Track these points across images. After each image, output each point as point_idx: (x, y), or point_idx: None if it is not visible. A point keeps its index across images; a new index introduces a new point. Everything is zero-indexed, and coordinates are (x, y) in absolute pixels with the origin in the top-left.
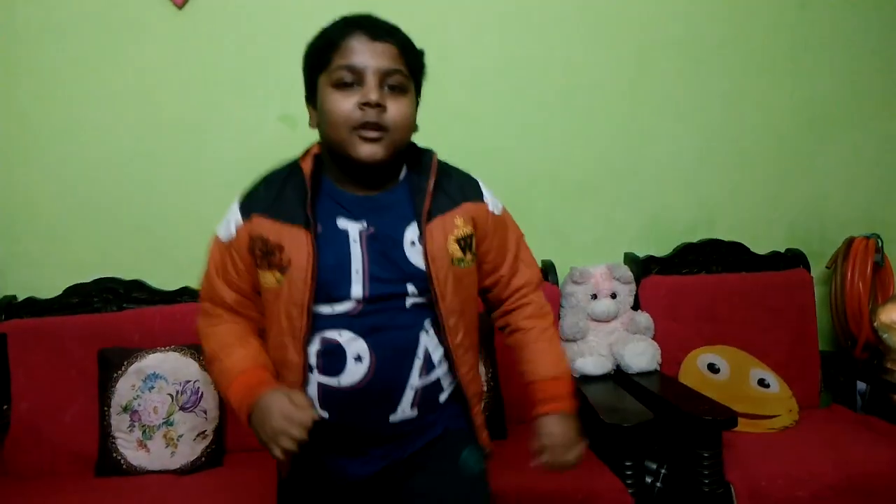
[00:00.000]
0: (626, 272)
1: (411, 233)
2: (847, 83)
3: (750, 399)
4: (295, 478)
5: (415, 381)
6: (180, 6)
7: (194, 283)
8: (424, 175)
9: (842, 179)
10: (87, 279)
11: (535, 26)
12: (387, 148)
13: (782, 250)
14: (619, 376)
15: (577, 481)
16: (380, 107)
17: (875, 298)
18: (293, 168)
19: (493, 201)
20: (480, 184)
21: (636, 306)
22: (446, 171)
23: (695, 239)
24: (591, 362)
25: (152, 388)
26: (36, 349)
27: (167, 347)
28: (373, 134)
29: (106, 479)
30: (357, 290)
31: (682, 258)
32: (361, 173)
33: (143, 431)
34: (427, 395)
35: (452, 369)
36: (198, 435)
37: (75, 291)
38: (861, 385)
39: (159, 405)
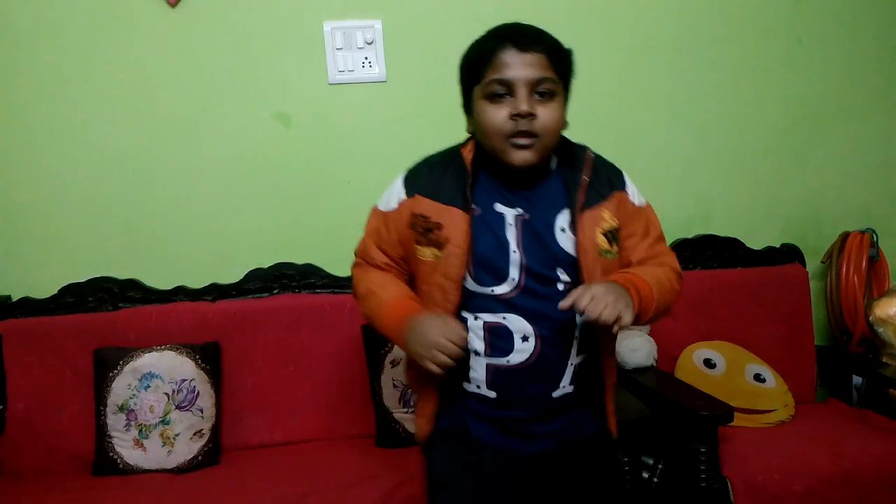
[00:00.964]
0: None
1: (562, 220)
2: (842, 78)
3: (746, 394)
4: (441, 441)
5: (573, 358)
6: (173, 5)
7: (189, 282)
8: (578, 169)
9: (837, 174)
10: (82, 279)
11: (528, 22)
12: (538, 152)
13: (778, 245)
14: None
15: None
16: (531, 116)
17: (870, 293)
18: (455, 154)
19: (634, 192)
20: (625, 175)
21: None
22: (597, 165)
23: (690, 234)
24: None
25: (148, 387)
26: (31, 349)
27: (163, 346)
28: (525, 141)
29: (103, 479)
30: (514, 270)
31: (678, 253)
32: (516, 174)
33: (140, 430)
34: (581, 371)
35: (598, 354)
36: (194, 434)
37: (70, 291)
38: (857, 379)
39: (155, 404)
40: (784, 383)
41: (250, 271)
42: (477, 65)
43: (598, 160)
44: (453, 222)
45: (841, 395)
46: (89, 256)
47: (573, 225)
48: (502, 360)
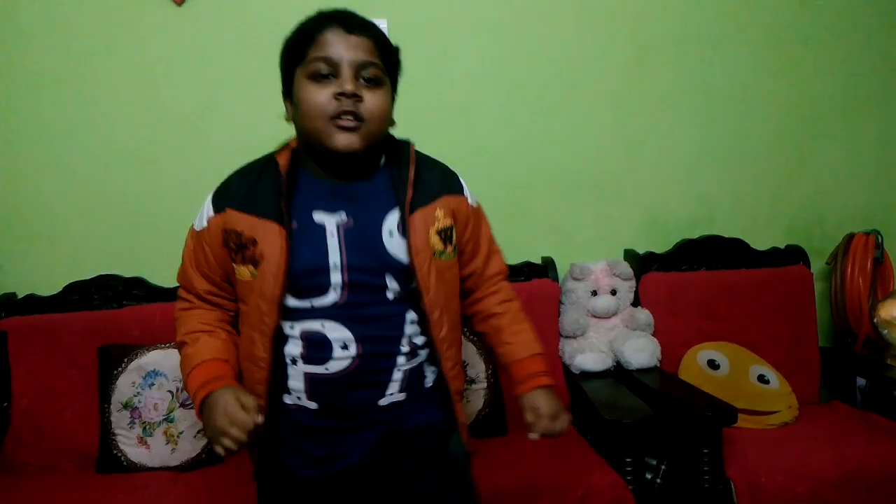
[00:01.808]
0: (626, 269)
1: (390, 222)
2: (847, 80)
3: (750, 395)
4: (268, 470)
5: (402, 364)
6: (180, 3)
7: None
8: (404, 165)
9: (841, 176)
10: (87, 276)
11: (533, 24)
12: (363, 138)
13: (782, 246)
14: (619, 373)
15: (577, 477)
16: (356, 97)
17: (875, 294)
18: (268, 161)
19: (470, 194)
20: (459, 176)
21: (636, 303)
22: (425, 162)
23: (695, 235)
24: (591, 359)
25: (152, 384)
26: (36, 346)
27: (167, 344)
28: (349, 123)
29: (106, 476)
30: (337, 281)
31: (682, 255)
32: (339, 164)
33: (144, 428)
34: (413, 378)
35: (436, 362)
36: (198, 432)
37: (75, 288)
38: (861, 381)
39: (160, 402)
40: (788, 385)
41: None
42: (300, 44)
43: (425, 157)
44: (268, 238)
45: (845, 396)
46: (94, 254)
47: (403, 226)
48: (320, 369)
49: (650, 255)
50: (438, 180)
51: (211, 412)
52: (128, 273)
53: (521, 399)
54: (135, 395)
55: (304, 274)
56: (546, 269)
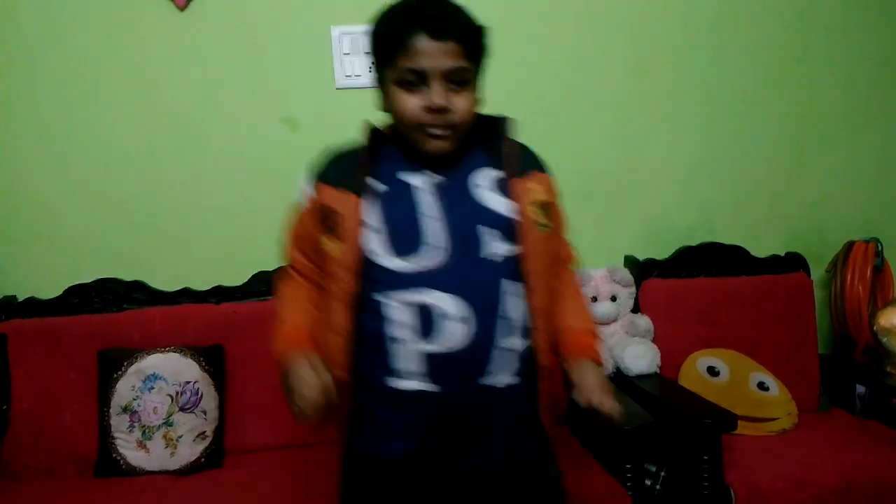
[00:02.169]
0: (626, 275)
1: (481, 177)
2: (846, 88)
3: (749, 402)
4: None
5: (499, 342)
6: (182, 7)
7: (194, 283)
8: (501, 137)
9: (841, 183)
10: (88, 280)
11: (532, 29)
12: (454, 140)
13: (782, 254)
14: (618, 379)
15: (577, 484)
16: (445, 110)
17: (875, 302)
18: (356, 140)
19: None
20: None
21: (636, 309)
22: (522, 144)
23: (694, 242)
24: None
25: (152, 388)
26: (36, 349)
27: (167, 348)
28: (440, 132)
29: (105, 480)
30: (438, 240)
31: (682, 261)
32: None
33: (143, 432)
34: (527, 364)
35: (529, 335)
36: (197, 436)
37: (75, 292)
38: (860, 388)
39: (159, 406)
40: (787, 392)
41: (255, 274)
42: (389, 47)
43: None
44: (348, 207)
45: (844, 404)
46: (95, 258)
47: (504, 188)
48: (433, 346)
49: (650, 262)
50: (532, 158)
51: (288, 377)
52: (128, 276)
53: (570, 365)
54: (134, 399)
55: (401, 232)
56: None
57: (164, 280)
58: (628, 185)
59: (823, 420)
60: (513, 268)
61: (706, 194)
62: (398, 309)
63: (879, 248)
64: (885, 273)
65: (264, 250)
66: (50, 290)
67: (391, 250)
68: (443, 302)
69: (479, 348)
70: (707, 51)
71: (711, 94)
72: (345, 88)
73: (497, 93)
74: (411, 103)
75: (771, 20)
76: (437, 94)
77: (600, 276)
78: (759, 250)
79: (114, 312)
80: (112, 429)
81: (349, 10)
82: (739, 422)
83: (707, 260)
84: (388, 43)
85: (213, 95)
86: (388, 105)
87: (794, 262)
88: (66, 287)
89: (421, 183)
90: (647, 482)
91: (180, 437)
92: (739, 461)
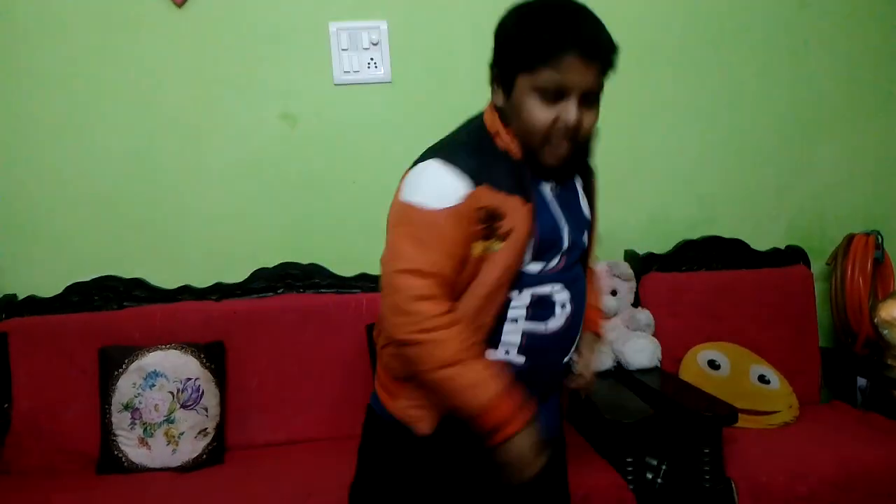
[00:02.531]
0: (627, 269)
1: (578, 185)
2: (847, 80)
3: (750, 395)
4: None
5: (581, 325)
6: (180, 5)
7: (194, 281)
8: (589, 146)
9: (842, 176)
10: (88, 278)
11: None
12: (572, 153)
13: (782, 247)
14: (619, 373)
15: (578, 477)
16: (577, 129)
17: (875, 295)
18: (483, 136)
19: None
20: None
21: (637, 303)
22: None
23: (695, 236)
24: None
25: (153, 385)
26: (37, 347)
27: (168, 345)
28: (564, 146)
29: (107, 477)
30: (565, 242)
31: (683, 255)
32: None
33: (145, 429)
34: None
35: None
36: (199, 433)
37: (76, 290)
38: (861, 381)
39: (160, 403)
40: (788, 385)
41: (255, 271)
42: (533, 55)
43: None
44: (516, 213)
45: (845, 396)
46: (95, 255)
47: (588, 192)
48: (540, 327)
49: (650, 256)
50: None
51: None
52: (128, 274)
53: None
54: (135, 396)
55: (547, 240)
56: None
57: (164, 277)
58: (629, 179)
59: (824, 413)
60: (585, 261)
61: (706, 188)
62: (521, 297)
63: (880, 241)
64: (886, 265)
65: (264, 247)
66: (50, 288)
67: (534, 256)
68: (559, 293)
69: (572, 331)
70: (708, 44)
71: (712, 88)
72: (343, 84)
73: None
74: (545, 115)
75: (771, 12)
76: (572, 112)
77: (601, 271)
78: (760, 243)
79: (114, 310)
80: (113, 426)
81: (347, 6)
82: (740, 415)
83: (707, 253)
84: (534, 50)
85: (212, 92)
86: (514, 111)
87: (794, 255)
88: (66, 285)
89: (549, 192)
90: (649, 475)
91: (182, 434)
92: (740, 454)
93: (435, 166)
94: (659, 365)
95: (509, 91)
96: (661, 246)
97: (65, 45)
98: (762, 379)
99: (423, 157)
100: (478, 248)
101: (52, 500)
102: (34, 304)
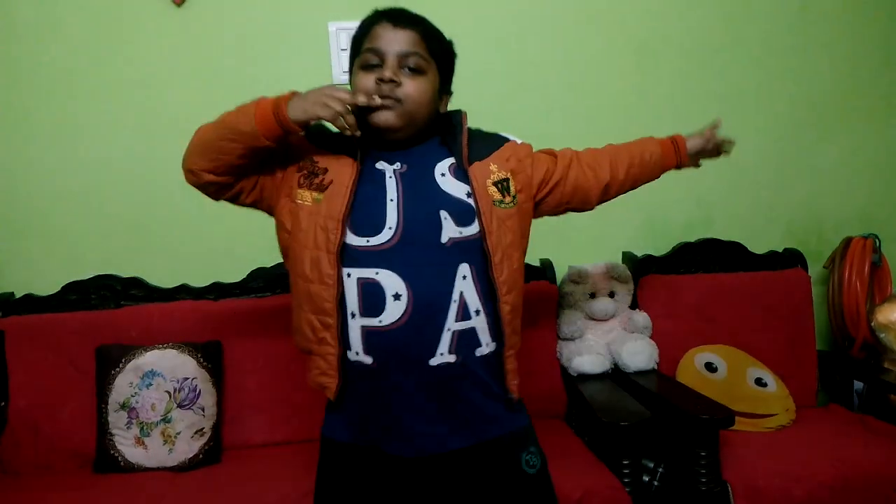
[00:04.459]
0: (625, 271)
1: (442, 166)
2: (845, 83)
3: (747, 398)
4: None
5: (451, 323)
6: (179, 4)
7: (192, 280)
8: (458, 130)
9: (840, 179)
10: (85, 276)
11: (534, 27)
12: (399, 117)
13: (780, 250)
14: (616, 375)
15: (575, 479)
16: (393, 82)
17: (872, 298)
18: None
19: (516, 138)
20: (504, 133)
21: (634, 305)
22: (477, 131)
23: (693, 238)
24: (589, 361)
25: (150, 385)
26: (34, 346)
27: (165, 345)
28: (387, 103)
29: (104, 476)
30: (392, 218)
31: (680, 257)
32: (387, 141)
33: (141, 428)
34: (464, 341)
35: (493, 320)
36: (196, 432)
37: (73, 288)
38: (858, 384)
39: (157, 402)
40: (785, 388)
41: (253, 270)
42: (357, 38)
43: (476, 129)
44: (340, 168)
45: (842, 400)
46: (92, 254)
47: (462, 173)
48: (374, 321)
49: (648, 258)
50: (491, 141)
51: (306, 94)
52: (126, 273)
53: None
54: (132, 396)
55: (363, 208)
56: (544, 271)
57: (162, 276)
58: None
59: (821, 416)
60: (473, 249)
61: (704, 190)
62: (351, 283)
63: (877, 244)
64: (883, 269)
65: (262, 246)
66: (48, 286)
67: (355, 228)
68: (387, 279)
69: (425, 330)
70: (706, 48)
71: (710, 91)
72: (342, 84)
73: (500, 87)
74: (367, 79)
75: (771, 15)
76: (387, 68)
77: (599, 273)
78: (757, 246)
79: (112, 309)
80: (110, 425)
81: (346, 6)
82: (737, 418)
83: (705, 256)
84: (357, 36)
85: (210, 91)
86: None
87: (791, 259)
88: (63, 283)
89: (386, 168)
90: (645, 478)
91: (178, 433)
92: (737, 457)
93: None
94: (656, 367)
95: (351, 81)
96: (659, 248)
97: (63, 44)
98: (759, 382)
99: None
100: (305, 195)
101: (49, 498)
102: (31, 303)
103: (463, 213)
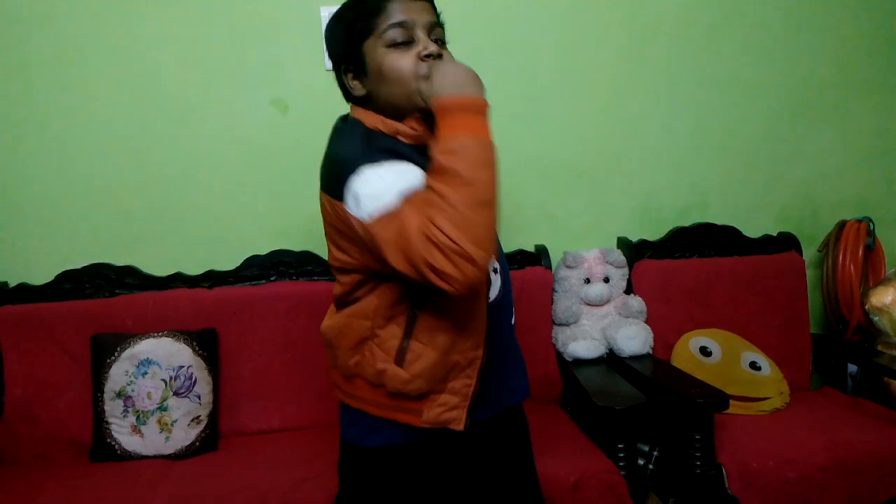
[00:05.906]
0: (619, 256)
1: None
2: (839, 67)
3: (741, 382)
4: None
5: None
6: None
7: (186, 268)
8: None
9: (834, 163)
10: (79, 265)
11: (525, 10)
12: None
13: (774, 234)
14: (611, 360)
15: (570, 463)
16: (440, 56)
17: (866, 281)
18: (370, 132)
19: None
20: None
21: (629, 290)
22: None
23: (687, 223)
24: (584, 346)
25: (146, 373)
26: (29, 335)
27: (160, 333)
28: None
29: (100, 465)
30: None
31: (675, 242)
32: (425, 120)
33: (137, 417)
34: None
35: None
36: (192, 420)
37: (67, 277)
38: (852, 367)
39: (153, 390)
40: (779, 371)
41: (248, 258)
42: (366, 17)
43: None
44: None
45: (836, 383)
46: (86, 243)
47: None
48: (490, 299)
49: (643, 243)
50: None
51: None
52: (120, 262)
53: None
54: (128, 384)
55: None
56: (539, 256)
57: (156, 265)
58: (621, 166)
59: (815, 399)
60: None
61: (698, 175)
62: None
63: (871, 228)
64: (877, 252)
65: (256, 234)
66: (41, 275)
67: None
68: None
69: (507, 293)
70: (700, 31)
71: (704, 75)
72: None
73: (491, 75)
74: (407, 59)
75: (763, 0)
76: (430, 43)
77: (593, 258)
78: (752, 230)
79: (106, 298)
80: (106, 414)
81: None
82: (731, 401)
83: (699, 240)
84: (367, 14)
85: (203, 78)
86: (375, 82)
87: (786, 242)
88: (57, 272)
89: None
90: (640, 461)
91: (175, 421)
92: (731, 440)
93: (380, 170)
94: (651, 351)
95: (363, 68)
96: (654, 233)
97: (53, 31)
98: (753, 365)
99: (346, 171)
100: None
101: (46, 487)
102: (25, 292)
103: None
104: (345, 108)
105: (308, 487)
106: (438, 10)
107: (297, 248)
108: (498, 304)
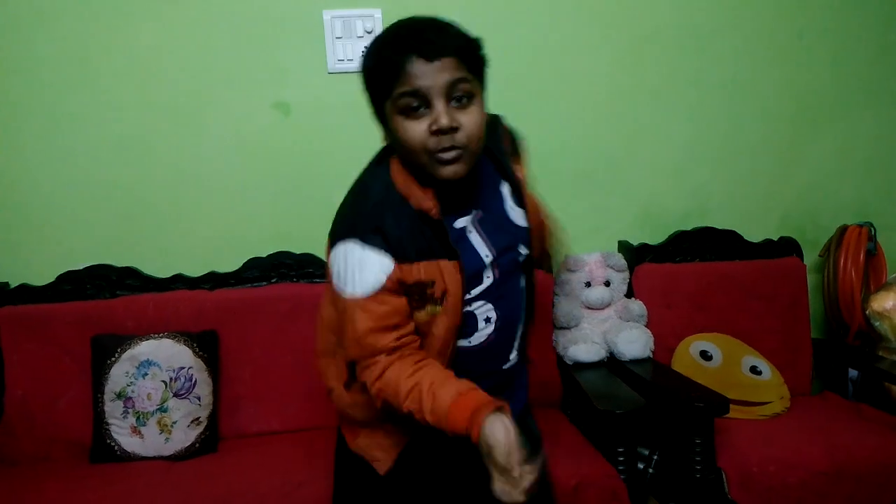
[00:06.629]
0: (620, 260)
1: (506, 194)
2: (841, 72)
3: (742, 386)
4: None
5: (520, 330)
6: None
7: (187, 270)
8: (498, 138)
9: (835, 168)
10: (80, 266)
11: (526, 14)
12: (468, 162)
13: (775, 238)
14: (612, 363)
15: (570, 467)
16: (454, 130)
17: (867, 286)
18: (390, 191)
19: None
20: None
21: (630, 294)
22: (509, 132)
23: (688, 227)
24: (585, 349)
25: (146, 374)
26: (29, 336)
27: (160, 334)
28: (451, 155)
29: (100, 466)
30: (489, 270)
31: (676, 246)
32: (451, 183)
33: (137, 418)
34: (523, 341)
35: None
36: (192, 421)
37: (68, 278)
38: (852, 372)
39: (153, 392)
40: (780, 376)
41: (248, 260)
42: (383, 78)
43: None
44: (447, 275)
45: (837, 388)
46: (87, 244)
47: (519, 198)
48: (464, 343)
49: (644, 247)
50: (511, 142)
51: (493, 448)
52: (121, 263)
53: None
54: (128, 385)
55: (472, 276)
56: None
57: (157, 266)
58: (622, 170)
59: (816, 404)
60: (523, 265)
61: (700, 179)
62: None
63: (872, 232)
64: (878, 257)
65: (257, 236)
66: (42, 276)
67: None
68: (481, 308)
69: (506, 332)
70: (701, 36)
71: (705, 80)
72: (337, 73)
73: (492, 79)
74: (416, 129)
75: (766, 4)
76: (441, 114)
77: (594, 261)
78: (753, 235)
79: (107, 299)
80: (106, 415)
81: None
82: (732, 405)
83: (700, 244)
84: (382, 75)
85: (205, 81)
86: (394, 141)
87: (787, 247)
88: (58, 274)
89: (468, 224)
90: (640, 466)
91: (175, 422)
92: (732, 444)
93: (358, 246)
94: (651, 355)
95: (385, 125)
96: (655, 237)
97: (56, 32)
98: (754, 370)
99: (340, 233)
100: (421, 315)
101: (46, 488)
102: (26, 293)
103: (527, 239)
104: (345, 109)
105: (306, 490)
106: (478, 42)
107: (297, 250)
108: (484, 348)
